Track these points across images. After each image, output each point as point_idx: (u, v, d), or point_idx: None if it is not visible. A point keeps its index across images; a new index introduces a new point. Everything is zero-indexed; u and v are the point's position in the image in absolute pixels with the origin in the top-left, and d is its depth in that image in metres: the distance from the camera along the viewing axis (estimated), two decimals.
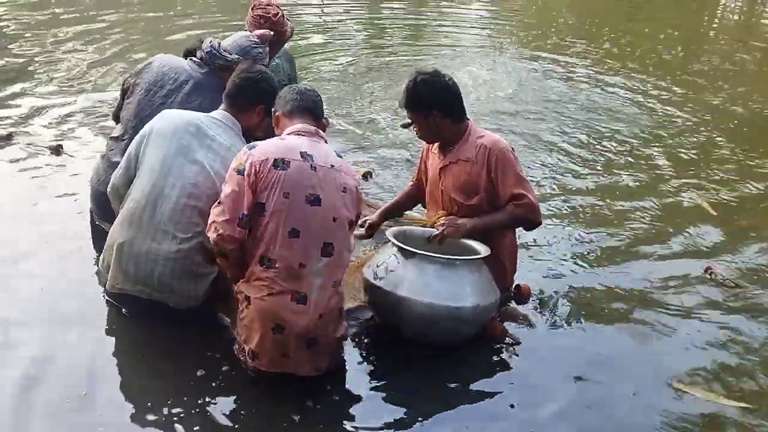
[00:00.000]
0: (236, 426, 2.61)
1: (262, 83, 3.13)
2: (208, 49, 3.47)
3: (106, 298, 3.17)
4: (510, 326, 3.24)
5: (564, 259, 3.96)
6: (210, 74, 3.48)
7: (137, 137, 3.09)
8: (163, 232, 2.91)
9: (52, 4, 9.48)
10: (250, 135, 3.16)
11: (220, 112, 3.14)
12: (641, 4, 11.14)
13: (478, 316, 2.96)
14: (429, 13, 9.93)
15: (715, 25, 10.60)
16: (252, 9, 3.90)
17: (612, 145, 5.69)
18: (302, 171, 2.68)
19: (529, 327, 3.27)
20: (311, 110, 2.91)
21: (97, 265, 3.35)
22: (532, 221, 3.18)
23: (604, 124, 6.14)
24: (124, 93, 3.62)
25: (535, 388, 2.92)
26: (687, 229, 4.38)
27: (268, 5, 3.89)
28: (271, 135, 2.95)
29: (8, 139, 5.13)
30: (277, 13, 3.84)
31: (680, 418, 2.77)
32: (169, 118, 3.08)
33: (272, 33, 3.70)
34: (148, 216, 2.92)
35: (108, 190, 3.19)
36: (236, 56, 3.45)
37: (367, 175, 4.73)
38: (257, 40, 3.52)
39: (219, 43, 3.51)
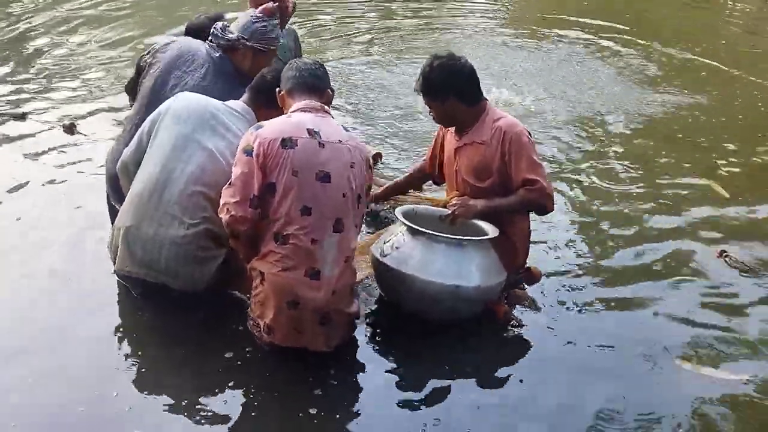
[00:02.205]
0: (248, 405, 2.66)
1: (268, 80, 3.12)
2: (212, 31, 3.47)
3: (117, 279, 3.21)
4: (516, 309, 3.25)
5: (574, 242, 3.96)
6: (225, 58, 3.47)
7: (152, 115, 3.10)
8: (171, 216, 2.93)
9: None
10: (236, 63, 3.23)
11: (239, 104, 3.13)
12: None
13: (482, 296, 2.99)
14: None
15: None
16: None
17: (616, 126, 5.65)
18: (310, 148, 2.70)
19: (535, 310, 3.28)
20: (313, 85, 2.90)
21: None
22: (543, 207, 3.17)
23: (605, 101, 6.11)
24: (140, 71, 3.62)
25: (540, 369, 2.94)
26: (699, 212, 4.36)
27: None
28: None
29: (22, 118, 5.16)
30: None
31: (687, 396, 2.81)
32: (187, 101, 3.08)
33: (276, 4, 3.66)
34: (156, 200, 2.94)
35: (117, 166, 3.22)
36: (237, 35, 3.42)
37: (376, 157, 4.72)
38: (260, 15, 3.48)
39: (224, 25, 3.49)
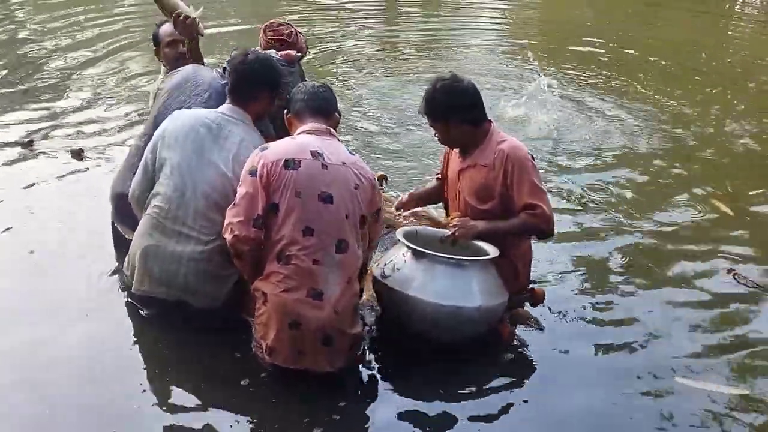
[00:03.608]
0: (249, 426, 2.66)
1: (258, 69, 3.12)
2: (225, 65, 3.46)
3: (128, 299, 3.23)
4: (520, 329, 3.24)
5: (579, 262, 3.95)
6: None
7: (151, 142, 3.13)
8: (187, 234, 2.96)
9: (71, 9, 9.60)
10: (264, 121, 3.19)
11: (227, 107, 3.14)
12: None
13: (484, 317, 2.98)
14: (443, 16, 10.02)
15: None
16: (264, 32, 3.88)
17: (620, 148, 5.66)
18: (313, 169, 2.73)
19: (539, 330, 3.27)
20: (321, 108, 2.95)
21: (118, 266, 3.47)
22: (544, 232, 3.16)
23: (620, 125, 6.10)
24: (154, 97, 3.68)
25: (543, 390, 2.93)
26: (705, 230, 4.36)
27: (280, 26, 3.87)
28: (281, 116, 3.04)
29: (29, 145, 5.21)
30: (290, 32, 3.84)
31: (689, 412, 2.80)
32: (180, 120, 3.09)
33: (298, 54, 3.71)
34: (172, 220, 2.97)
35: (129, 197, 3.24)
36: None
37: (381, 180, 4.73)
38: (280, 58, 3.52)
39: None
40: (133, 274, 3.08)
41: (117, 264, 3.60)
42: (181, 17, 3.56)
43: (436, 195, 3.62)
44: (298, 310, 2.68)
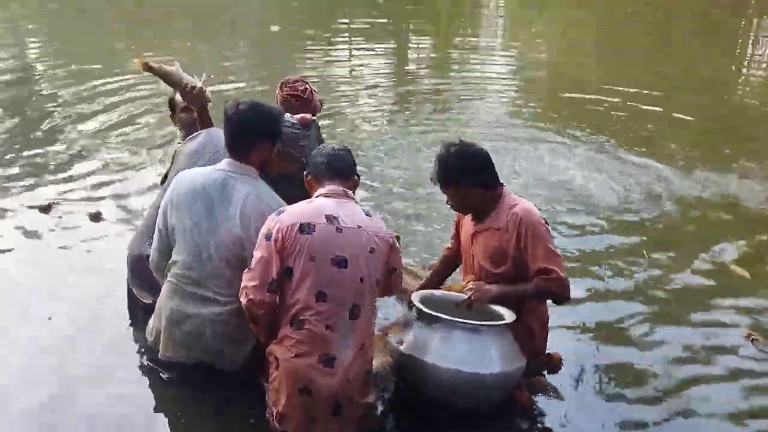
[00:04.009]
0: None
1: (252, 118, 3.03)
2: None
3: (149, 363, 3.25)
4: (538, 396, 3.20)
5: (596, 326, 3.91)
6: None
7: (160, 208, 3.13)
8: (204, 296, 2.97)
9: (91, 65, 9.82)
10: (269, 169, 3.18)
11: (227, 163, 3.07)
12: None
13: (502, 383, 2.94)
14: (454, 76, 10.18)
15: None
16: (280, 89, 3.97)
17: (636, 207, 5.65)
18: (327, 234, 2.74)
19: (557, 397, 3.22)
20: (340, 171, 2.97)
21: (133, 329, 3.50)
22: (560, 296, 3.14)
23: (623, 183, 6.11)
24: (172, 162, 3.72)
25: None
26: (722, 294, 4.31)
27: (296, 82, 3.96)
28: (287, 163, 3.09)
29: (48, 209, 5.28)
30: (306, 89, 3.92)
31: None
32: (184, 184, 3.06)
33: (313, 118, 3.74)
34: (190, 284, 2.98)
35: (150, 265, 3.25)
36: None
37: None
38: (295, 121, 3.55)
39: None
40: (156, 340, 3.08)
41: (131, 326, 3.64)
42: (188, 88, 3.63)
43: (450, 269, 3.63)
44: (310, 375, 2.67)
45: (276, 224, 2.76)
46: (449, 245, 3.64)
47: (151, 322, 3.14)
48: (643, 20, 15.28)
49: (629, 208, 5.65)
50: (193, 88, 3.63)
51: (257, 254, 2.75)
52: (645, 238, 5.13)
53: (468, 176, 3.14)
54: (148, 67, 3.66)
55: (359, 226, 2.81)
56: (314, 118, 3.99)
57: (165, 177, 3.80)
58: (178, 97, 4.01)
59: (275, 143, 3.14)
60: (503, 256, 3.13)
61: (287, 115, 3.59)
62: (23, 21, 13.91)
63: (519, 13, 16.93)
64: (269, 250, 2.72)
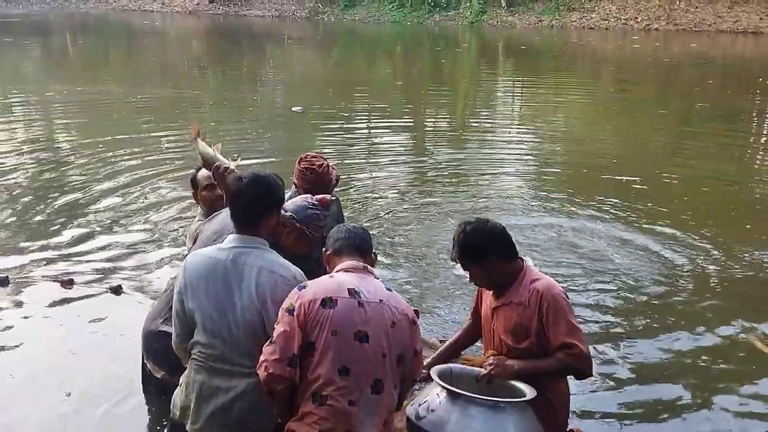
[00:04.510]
0: None
1: (254, 193, 3.01)
2: None
3: None
4: None
5: (620, 401, 3.84)
6: None
7: (176, 292, 3.08)
8: (234, 371, 2.92)
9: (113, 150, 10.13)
10: (286, 249, 3.18)
11: (235, 238, 3.03)
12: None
13: None
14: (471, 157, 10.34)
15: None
16: (299, 162, 4.06)
17: (656, 283, 5.62)
18: (350, 308, 2.74)
19: None
20: (359, 247, 2.99)
21: (147, 403, 3.47)
22: (582, 371, 3.10)
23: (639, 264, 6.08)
24: (195, 240, 3.71)
25: None
26: (745, 371, 4.23)
27: (314, 157, 4.05)
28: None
29: (69, 284, 5.36)
30: (322, 164, 4.00)
31: None
32: (196, 268, 3.02)
33: (333, 198, 3.80)
34: (217, 361, 2.94)
35: (173, 346, 3.20)
36: (290, 214, 3.43)
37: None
38: (315, 202, 3.54)
39: None
40: (183, 414, 3.04)
41: (145, 401, 3.67)
42: (220, 169, 3.71)
43: (469, 340, 3.60)
44: None
45: (298, 299, 2.75)
46: (469, 318, 3.62)
47: (177, 396, 3.12)
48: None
49: (647, 281, 5.63)
50: (226, 169, 3.70)
51: (279, 328, 2.73)
52: (665, 312, 5.08)
53: (491, 251, 3.15)
54: (196, 139, 3.77)
55: (381, 300, 2.81)
56: (334, 197, 4.06)
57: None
58: (201, 174, 4.10)
59: (280, 210, 3.15)
60: (525, 331, 3.11)
61: (308, 196, 3.61)
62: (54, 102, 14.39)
63: (536, 95, 17.28)
64: (291, 324, 2.70)
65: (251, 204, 3.02)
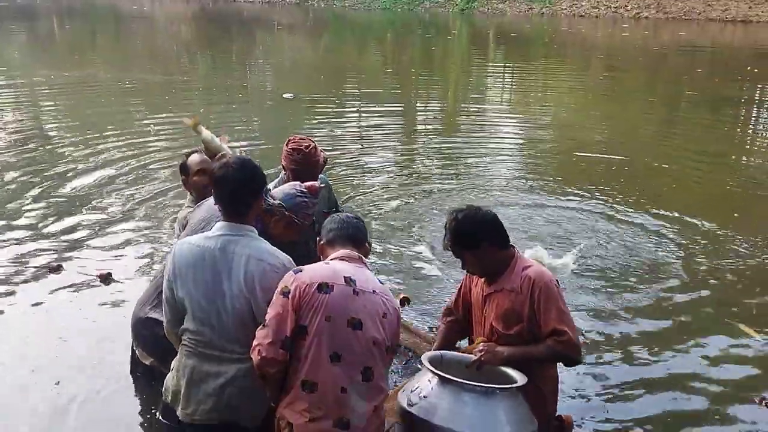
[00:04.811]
0: None
1: (239, 179, 2.97)
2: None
3: (160, 417, 3.20)
4: None
5: (606, 387, 3.86)
6: (257, 218, 3.39)
7: (165, 281, 3.05)
8: (224, 357, 2.92)
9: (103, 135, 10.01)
10: (274, 236, 3.17)
11: (223, 226, 2.99)
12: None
13: None
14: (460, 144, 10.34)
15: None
16: (286, 144, 4.05)
17: (646, 267, 5.66)
18: (345, 295, 2.74)
19: None
20: (352, 237, 2.99)
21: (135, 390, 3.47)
22: (571, 358, 3.12)
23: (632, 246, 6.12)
24: (183, 227, 3.71)
25: None
26: (734, 357, 4.27)
27: (301, 139, 4.04)
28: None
29: (57, 270, 5.33)
30: (309, 145, 3.99)
31: None
32: (184, 257, 2.98)
33: (322, 185, 3.79)
34: (207, 347, 2.93)
35: (165, 331, 3.19)
36: (279, 202, 3.42)
37: (404, 302, 4.75)
38: (304, 190, 3.52)
39: (268, 189, 3.45)
40: (174, 399, 3.04)
41: (134, 388, 3.69)
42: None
43: (455, 336, 3.55)
44: None
45: (294, 282, 2.74)
46: (449, 313, 3.55)
47: (169, 381, 3.11)
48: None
49: (637, 265, 5.68)
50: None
51: (272, 311, 2.73)
52: (655, 297, 5.12)
53: (484, 237, 3.15)
54: (198, 126, 3.72)
55: (375, 291, 2.81)
56: (323, 184, 4.04)
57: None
58: (191, 160, 4.06)
59: (265, 194, 3.11)
60: (517, 318, 3.12)
61: (296, 184, 3.59)
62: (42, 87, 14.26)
63: (526, 83, 17.28)
64: (285, 306, 2.70)
65: (238, 190, 2.98)
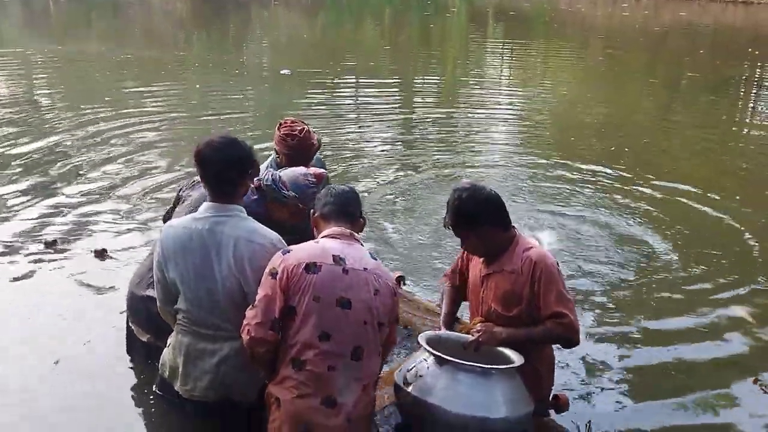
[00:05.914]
0: None
1: (224, 158, 2.89)
2: (269, 183, 3.40)
3: (162, 393, 3.17)
4: None
5: (603, 368, 3.86)
6: (259, 202, 3.40)
7: (155, 261, 3.03)
8: (218, 335, 2.92)
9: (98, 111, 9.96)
10: (270, 211, 3.17)
11: (210, 207, 2.94)
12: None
13: (510, 428, 2.86)
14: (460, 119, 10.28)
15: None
16: (278, 128, 3.99)
17: (642, 251, 5.64)
18: (333, 274, 2.72)
19: None
20: (346, 212, 2.95)
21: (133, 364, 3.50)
22: (569, 341, 3.09)
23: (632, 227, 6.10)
24: (177, 202, 3.66)
25: None
26: (730, 339, 4.27)
27: (293, 122, 3.99)
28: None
29: (53, 244, 5.29)
30: (303, 129, 3.94)
31: None
32: (172, 239, 2.95)
33: (326, 173, 3.73)
34: (200, 326, 2.93)
35: (158, 309, 3.16)
36: (293, 194, 3.41)
37: (399, 280, 4.73)
38: (314, 179, 3.49)
39: (280, 177, 3.44)
40: (172, 375, 3.03)
41: (131, 364, 3.68)
42: None
43: (458, 302, 3.56)
44: (311, 417, 2.61)
45: (282, 263, 2.73)
46: (448, 278, 3.56)
47: (166, 356, 3.10)
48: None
49: (632, 249, 5.66)
50: None
51: (261, 292, 2.72)
52: (651, 279, 5.10)
53: (486, 218, 3.11)
54: None
55: (366, 269, 2.79)
56: (321, 168, 4.00)
57: (169, 216, 3.76)
58: None
59: (254, 172, 3.02)
60: (516, 299, 3.09)
61: (304, 171, 3.53)
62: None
63: (525, 61, 17.18)
64: (274, 288, 2.69)
65: (224, 170, 2.90)
